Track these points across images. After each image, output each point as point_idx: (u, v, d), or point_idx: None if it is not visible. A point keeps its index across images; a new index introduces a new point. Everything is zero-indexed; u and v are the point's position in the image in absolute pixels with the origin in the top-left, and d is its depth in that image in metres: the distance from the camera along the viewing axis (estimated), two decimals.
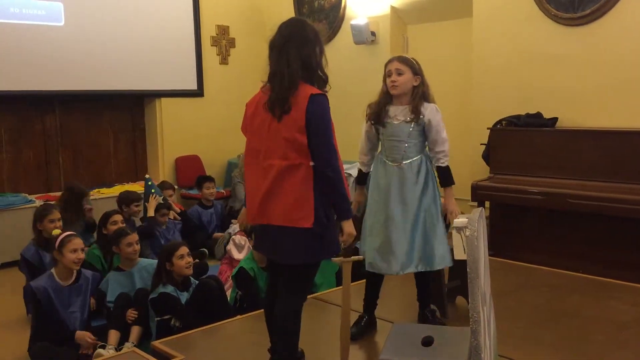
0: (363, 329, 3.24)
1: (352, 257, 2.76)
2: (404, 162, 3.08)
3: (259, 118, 2.63)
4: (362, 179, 3.33)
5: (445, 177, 3.14)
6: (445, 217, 3.11)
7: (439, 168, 3.13)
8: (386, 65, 3.13)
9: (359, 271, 3.13)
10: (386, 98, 3.13)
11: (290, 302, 2.68)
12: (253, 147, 2.68)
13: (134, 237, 4.04)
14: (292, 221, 2.55)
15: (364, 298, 3.32)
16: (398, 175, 3.08)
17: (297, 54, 2.53)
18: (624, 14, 4.84)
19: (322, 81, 2.63)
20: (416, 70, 3.09)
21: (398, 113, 3.10)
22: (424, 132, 3.11)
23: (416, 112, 3.05)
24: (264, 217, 2.64)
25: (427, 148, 3.19)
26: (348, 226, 2.60)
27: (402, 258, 3.04)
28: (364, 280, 3.34)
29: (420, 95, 3.08)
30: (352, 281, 2.82)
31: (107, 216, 4.57)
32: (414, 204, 3.06)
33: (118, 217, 4.54)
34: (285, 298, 2.69)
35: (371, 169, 3.27)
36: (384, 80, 3.13)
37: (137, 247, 4.04)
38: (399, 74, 3.05)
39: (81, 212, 4.97)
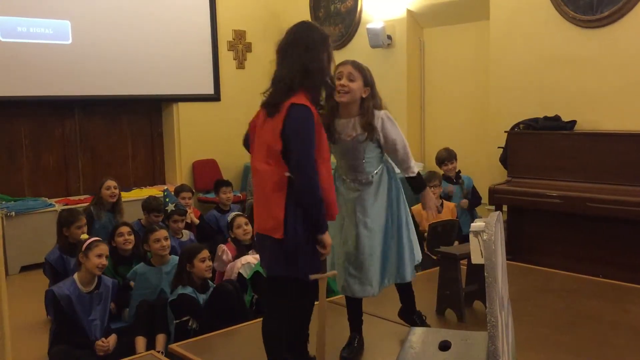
0: (357, 350, 3.02)
1: (328, 273, 2.69)
2: (364, 177, 2.89)
3: (259, 120, 2.62)
4: None
5: (417, 184, 3.00)
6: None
7: (409, 179, 2.97)
8: (339, 65, 2.84)
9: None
10: (332, 110, 2.86)
11: (268, 319, 2.67)
12: (251, 149, 2.68)
13: (162, 233, 4.08)
14: (266, 230, 2.52)
15: (348, 318, 3.09)
16: (360, 193, 2.89)
17: (299, 59, 2.47)
18: None
19: (329, 88, 2.59)
20: (368, 81, 2.84)
21: (348, 128, 2.85)
22: (380, 145, 2.91)
23: (368, 129, 2.82)
24: (256, 224, 2.63)
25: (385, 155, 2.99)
26: (326, 238, 2.52)
27: (376, 277, 2.90)
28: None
29: (370, 109, 2.84)
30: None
31: (114, 229, 4.59)
32: (380, 219, 2.89)
33: (124, 229, 4.51)
34: (266, 315, 2.71)
35: None
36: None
37: (166, 243, 4.07)
38: (351, 79, 2.79)
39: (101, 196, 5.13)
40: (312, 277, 2.57)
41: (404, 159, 2.94)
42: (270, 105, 2.52)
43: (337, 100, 2.82)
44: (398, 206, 2.95)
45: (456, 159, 5.50)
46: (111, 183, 5.12)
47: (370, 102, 2.85)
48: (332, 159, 2.88)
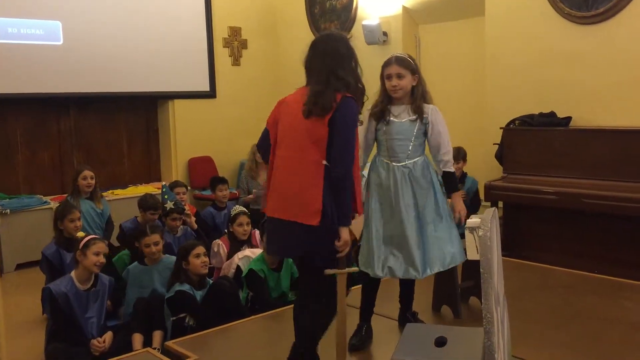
0: (365, 339, 3.13)
1: (348, 269, 2.69)
2: (408, 161, 3.03)
3: (289, 115, 2.66)
4: None
5: (452, 182, 3.13)
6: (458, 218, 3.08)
7: (445, 173, 3.10)
8: (384, 67, 3.07)
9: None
10: (387, 98, 3.09)
11: (308, 301, 2.70)
12: (277, 144, 2.70)
13: (153, 238, 4.07)
14: (297, 216, 2.54)
15: (360, 306, 3.19)
16: (404, 174, 3.02)
17: (349, 70, 2.63)
18: (637, 11, 4.80)
19: (361, 94, 2.69)
20: (414, 70, 3.06)
21: (401, 111, 3.06)
22: (426, 133, 3.08)
23: (419, 112, 3.03)
24: (280, 211, 2.63)
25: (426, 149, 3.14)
26: (346, 233, 2.57)
27: (419, 260, 2.95)
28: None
29: (420, 95, 3.06)
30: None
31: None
32: (422, 203, 3.00)
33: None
34: (302, 305, 2.73)
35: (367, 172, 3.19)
36: (382, 81, 3.09)
37: (156, 248, 4.06)
38: (399, 77, 3.02)
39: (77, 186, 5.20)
40: (327, 272, 2.59)
41: (445, 152, 3.08)
42: (312, 107, 2.57)
43: (394, 97, 3.05)
44: (442, 200, 3.07)
45: (464, 160, 5.42)
46: (88, 173, 5.19)
47: (420, 88, 3.07)
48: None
